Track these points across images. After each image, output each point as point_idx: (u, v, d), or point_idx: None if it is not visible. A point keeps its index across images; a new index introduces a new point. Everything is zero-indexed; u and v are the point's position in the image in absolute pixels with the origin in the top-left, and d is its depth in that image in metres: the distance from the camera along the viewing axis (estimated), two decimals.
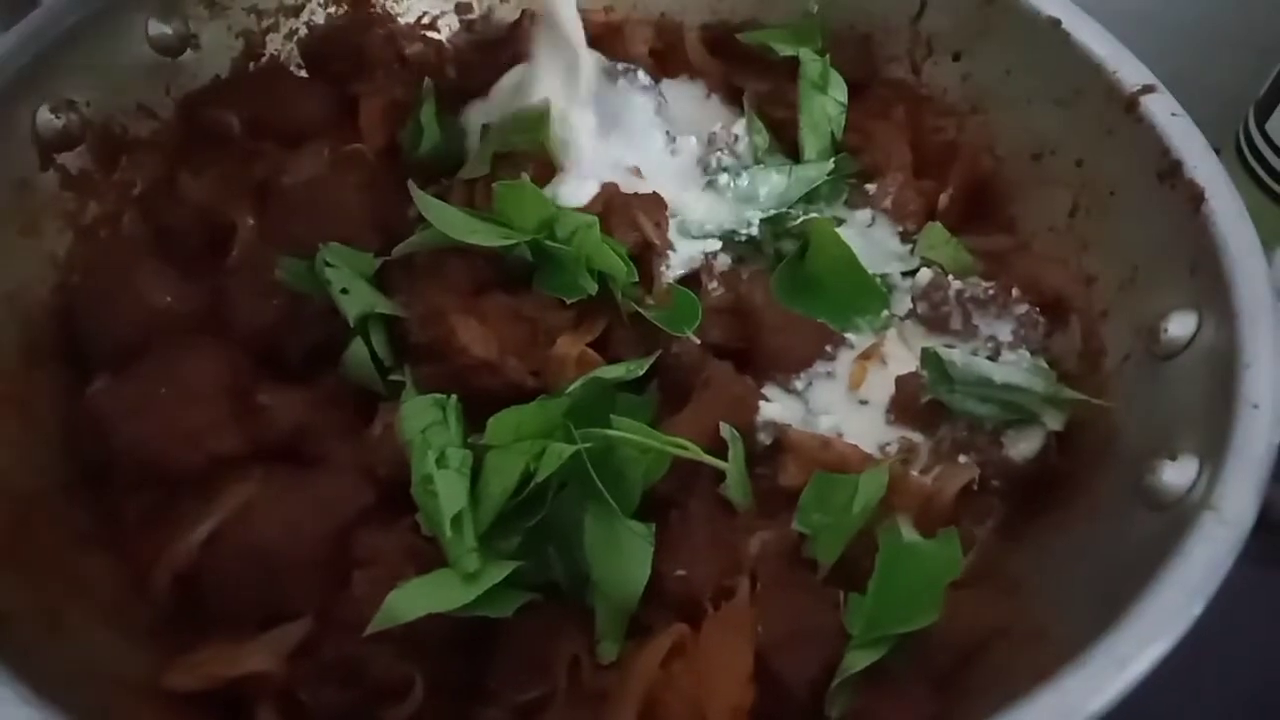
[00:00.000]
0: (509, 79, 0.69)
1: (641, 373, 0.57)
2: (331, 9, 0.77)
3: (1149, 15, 0.67)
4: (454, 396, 0.56)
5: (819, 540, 0.52)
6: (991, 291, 0.60)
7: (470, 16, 0.81)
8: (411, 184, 0.59)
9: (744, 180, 0.67)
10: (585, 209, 0.62)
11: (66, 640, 0.47)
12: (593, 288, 0.59)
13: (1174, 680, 0.42)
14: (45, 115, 0.61)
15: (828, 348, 0.60)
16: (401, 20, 0.78)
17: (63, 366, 0.60)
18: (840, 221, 0.67)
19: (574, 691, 0.49)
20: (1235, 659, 0.56)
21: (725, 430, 0.55)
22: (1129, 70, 0.62)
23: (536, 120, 0.65)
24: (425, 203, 0.59)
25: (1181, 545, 0.43)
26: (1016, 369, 0.57)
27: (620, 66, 0.71)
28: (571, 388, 0.55)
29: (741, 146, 0.70)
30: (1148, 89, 0.60)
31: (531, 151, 0.66)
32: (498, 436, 0.53)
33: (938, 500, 0.54)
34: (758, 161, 0.70)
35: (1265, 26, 0.87)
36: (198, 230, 0.66)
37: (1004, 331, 0.59)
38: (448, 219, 0.59)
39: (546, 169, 0.65)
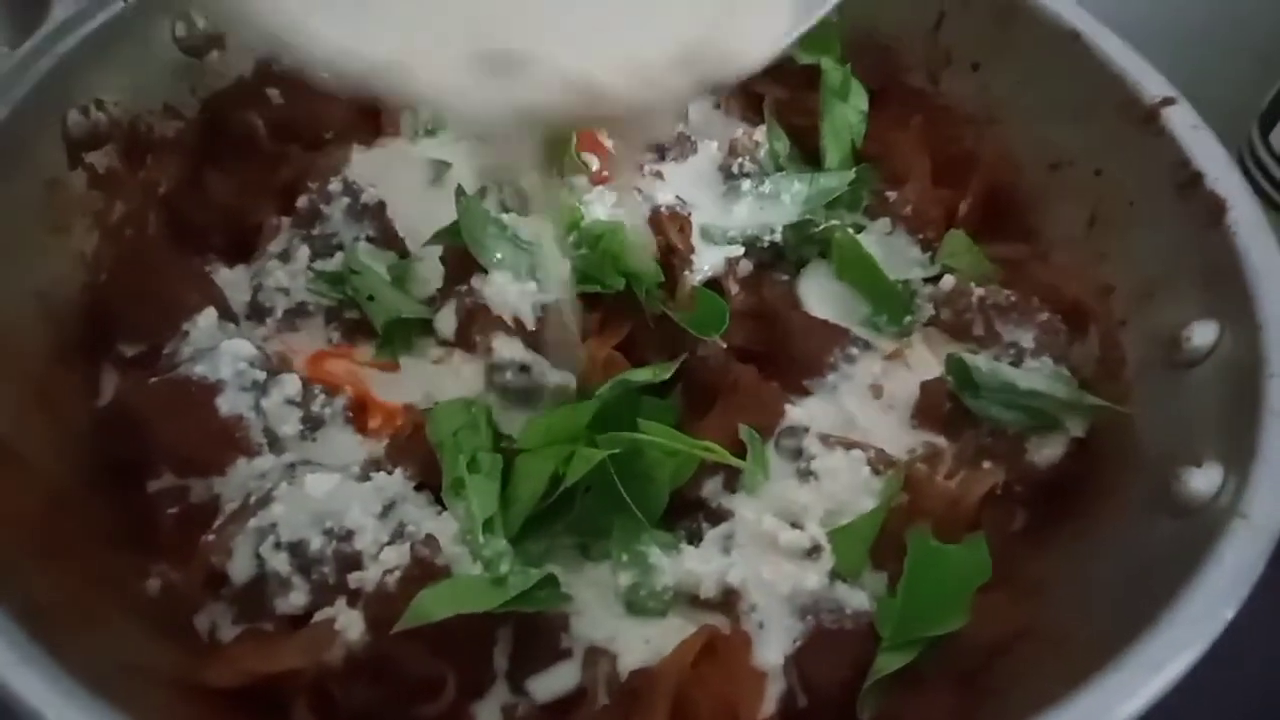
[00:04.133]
0: None
1: (668, 376, 0.58)
2: None
3: (1151, 28, 0.67)
4: (483, 399, 0.57)
5: (840, 555, 0.53)
6: (1013, 299, 0.61)
7: None
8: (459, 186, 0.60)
9: (766, 187, 0.68)
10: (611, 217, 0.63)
11: (103, 634, 0.48)
12: (620, 283, 0.59)
13: (1191, 683, 0.42)
14: (75, 114, 0.61)
15: (852, 351, 0.61)
16: None
17: (91, 364, 0.60)
18: (860, 229, 0.68)
19: (606, 689, 0.49)
20: (1253, 662, 0.57)
21: (744, 432, 0.56)
22: (1149, 82, 0.62)
23: (562, 140, 0.66)
24: (463, 204, 0.60)
25: (1212, 551, 0.44)
26: (1039, 375, 0.58)
27: None
28: (600, 390, 0.55)
29: (762, 153, 0.71)
30: (1168, 101, 0.61)
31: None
32: (530, 440, 0.53)
33: (962, 505, 0.55)
34: (778, 168, 0.70)
35: (1268, 39, 0.88)
36: (224, 230, 0.67)
37: (1026, 338, 0.60)
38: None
39: None
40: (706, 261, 0.64)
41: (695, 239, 0.65)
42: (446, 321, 0.61)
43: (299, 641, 0.49)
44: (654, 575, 0.52)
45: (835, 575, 0.52)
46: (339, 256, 0.64)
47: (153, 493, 0.54)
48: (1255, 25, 0.91)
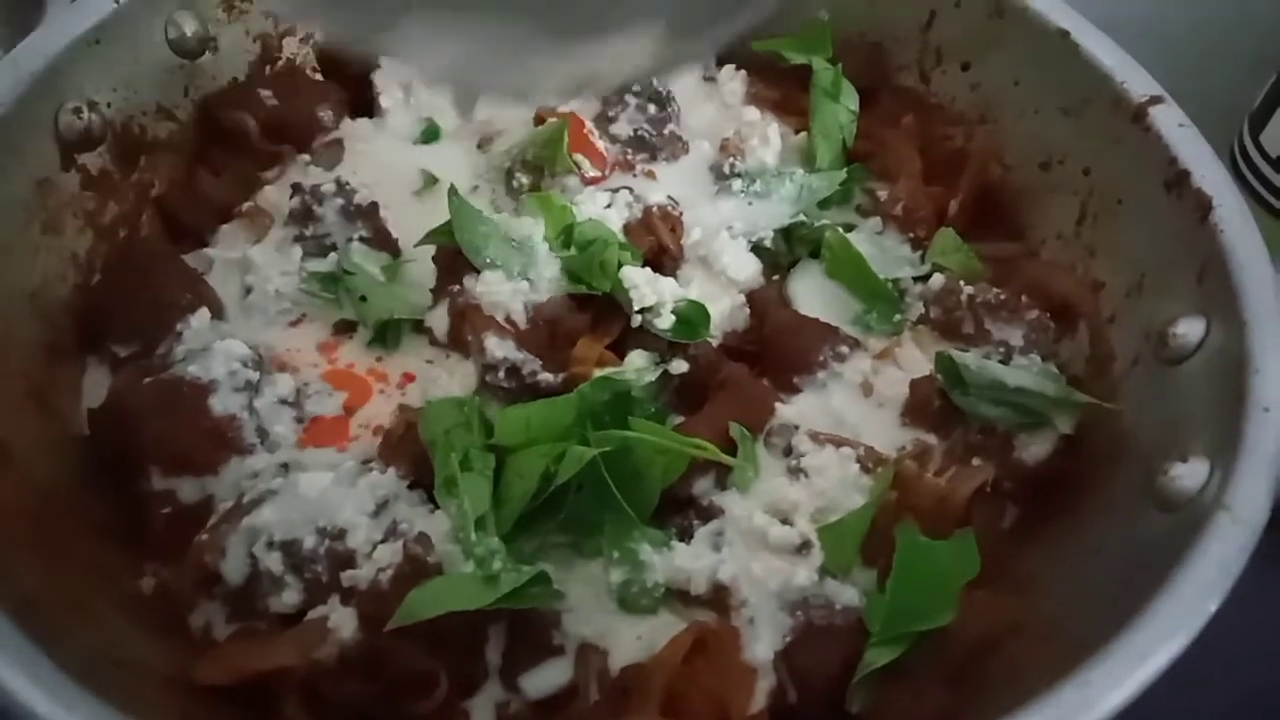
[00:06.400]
0: None
1: (652, 379, 0.58)
2: None
3: (1141, 28, 0.68)
4: (475, 398, 0.57)
5: (830, 551, 0.53)
6: (1003, 296, 0.61)
7: None
8: (451, 186, 0.60)
9: (757, 186, 0.68)
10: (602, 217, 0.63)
11: (94, 629, 0.48)
12: (606, 285, 0.60)
13: (1183, 679, 0.43)
14: (67, 115, 0.61)
15: (842, 349, 0.61)
16: None
17: (83, 364, 0.60)
18: (850, 227, 0.68)
19: (598, 686, 0.49)
20: (1243, 658, 0.57)
21: (735, 429, 0.56)
22: (1137, 81, 0.63)
23: (555, 136, 0.66)
24: (455, 204, 0.60)
25: (1196, 544, 0.44)
26: (1028, 373, 0.58)
27: None
28: (581, 387, 0.55)
29: (753, 153, 0.71)
30: (1156, 100, 0.61)
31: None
32: (506, 434, 0.53)
33: (951, 501, 0.55)
34: (770, 168, 0.70)
35: (1258, 38, 0.88)
36: (217, 230, 0.67)
37: (1015, 336, 0.60)
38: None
39: None
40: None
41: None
42: (439, 321, 0.61)
43: (291, 639, 0.50)
44: (645, 572, 0.52)
45: (825, 571, 0.52)
46: (332, 257, 0.64)
47: (145, 493, 0.54)
48: (1245, 27, 0.91)
